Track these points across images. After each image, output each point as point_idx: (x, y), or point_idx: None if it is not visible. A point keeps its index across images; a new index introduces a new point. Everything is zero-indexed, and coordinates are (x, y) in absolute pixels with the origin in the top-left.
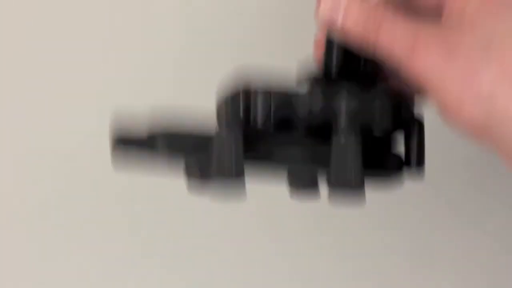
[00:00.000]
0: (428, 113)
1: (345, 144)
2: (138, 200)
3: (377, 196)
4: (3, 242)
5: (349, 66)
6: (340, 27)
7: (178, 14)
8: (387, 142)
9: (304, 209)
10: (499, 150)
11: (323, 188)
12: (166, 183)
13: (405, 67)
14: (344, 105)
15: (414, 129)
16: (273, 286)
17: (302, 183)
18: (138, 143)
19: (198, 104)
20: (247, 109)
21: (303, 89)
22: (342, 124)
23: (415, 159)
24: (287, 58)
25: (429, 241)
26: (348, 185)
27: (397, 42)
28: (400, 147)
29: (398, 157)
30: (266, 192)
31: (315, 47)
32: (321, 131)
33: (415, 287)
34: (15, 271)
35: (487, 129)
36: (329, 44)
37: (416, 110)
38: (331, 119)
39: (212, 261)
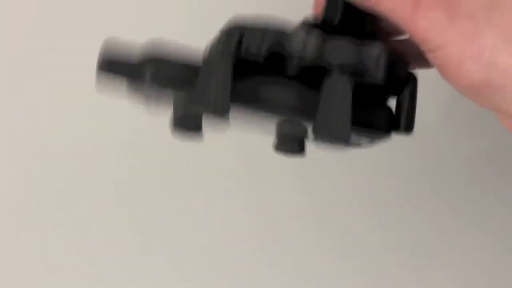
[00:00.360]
0: (428, 113)
1: (336, 86)
2: (138, 200)
3: (377, 196)
4: (3, 242)
5: (349, 22)
6: None
7: (178, 14)
8: (379, 97)
9: (304, 209)
10: (498, 110)
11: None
12: (166, 183)
13: (406, 26)
14: (340, 48)
15: (407, 89)
16: (273, 286)
17: (290, 144)
18: (125, 67)
19: None
20: (240, 42)
21: (300, 30)
22: (335, 67)
23: (404, 120)
24: None
25: (429, 241)
26: (334, 129)
27: (399, 1)
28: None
29: (388, 114)
30: (266, 192)
31: (315, 4)
32: (313, 76)
33: (415, 287)
34: (15, 271)
35: (487, 88)
36: (330, 1)
37: (411, 71)
38: (324, 62)
39: (212, 261)
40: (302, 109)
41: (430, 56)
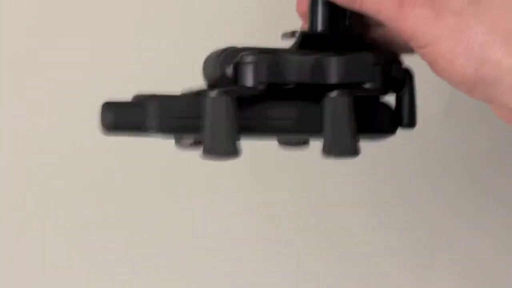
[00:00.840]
0: (427, 112)
1: (337, 104)
2: (138, 200)
3: (377, 195)
4: (3, 242)
5: (335, 21)
6: None
7: (178, 14)
8: (377, 98)
9: (304, 209)
10: (492, 102)
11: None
12: (166, 183)
13: (393, 25)
14: (335, 67)
15: (406, 86)
16: (273, 286)
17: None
18: (130, 125)
19: None
20: (236, 79)
21: (292, 46)
22: (333, 86)
23: (407, 116)
24: None
25: (429, 241)
26: (343, 147)
27: (384, 1)
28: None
29: (389, 113)
30: (266, 192)
31: (298, 5)
32: (310, 91)
33: (415, 287)
34: (15, 271)
35: (480, 82)
36: (314, 1)
37: (405, 68)
38: (321, 77)
39: (212, 261)
40: (307, 128)
41: (420, 52)
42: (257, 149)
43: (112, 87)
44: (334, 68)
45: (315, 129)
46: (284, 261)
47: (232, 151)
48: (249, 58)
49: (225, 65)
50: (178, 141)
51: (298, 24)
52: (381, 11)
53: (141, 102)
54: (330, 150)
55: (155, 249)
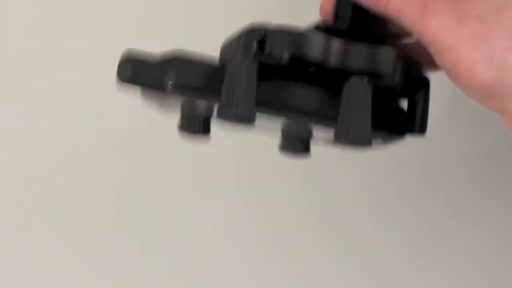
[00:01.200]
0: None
1: (357, 90)
2: (138, 200)
3: (377, 195)
4: (3, 242)
5: (359, 26)
6: None
7: (178, 14)
8: (393, 99)
9: (304, 209)
10: (506, 113)
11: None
12: (166, 183)
13: (415, 28)
14: (360, 53)
15: (421, 91)
16: (273, 286)
17: (295, 145)
18: (146, 78)
19: None
20: (261, 45)
21: (319, 34)
22: (355, 72)
23: (418, 123)
24: None
25: (429, 241)
26: (357, 133)
27: (409, 3)
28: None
29: (403, 116)
30: (266, 192)
31: (322, 7)
32: (330, 79)
33: (415, 287)
34: (15, 271)
35: (499, 90)
36: (340, 1)
37: (424, 74)
38: (345, 67)
39: (212, 261)
40: (324, 114)
41: (438, 59)
42: (257, 149)
43: (113, 87)
44: (358, 55)
45: (330, 115)
46: (284, 261)
47: (248, 116)
48: (276, 30)
49: (250, 37)
50: (187, 119)
51: (298, 24)
52: (405, 13)
53: (163, 59)
54: (342, 136)
55: (155, 249)
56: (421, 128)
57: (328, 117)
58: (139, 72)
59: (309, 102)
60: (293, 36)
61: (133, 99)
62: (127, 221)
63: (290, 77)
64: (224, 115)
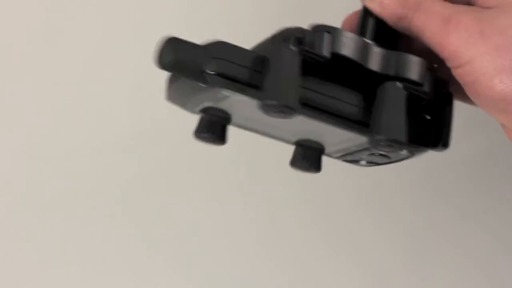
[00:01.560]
0: None
1: (395, 93)
2: (138, 200)
3: (377, 196)
4: (3, 242)
5: (382, 43)
6: (379, 2)
7: (178, 14)
8: (421, 112)
9: (304, 210)
10: None
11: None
12: (166, 183)
13: (437, 41)
14: (401, 60)
15: (448, 107)
16: (273, 286)
17: (306, 162)
18: (189, 67)
19: None
20: (301, 42)
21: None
22: (394, 77)
23: (443, 138)
24: None
25: (429, 241)
26: (394, 130)
27: (432, 18)
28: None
29: (431, 129)
30: (266, 192)
31: (345, 24)
32: (365, 82)
33: (415, 287)
34: (15, 272)
35: None
36: (366, 15)
37: (449, 90)
38: (385, 71)
39: (212, 261)
40: (361, 122)
41: (458, 72)
42: (258, 149)
43: (113, 87)
44: (396, 61)
45: (361, 119)
46: (284, 261)
47: (292, 105)
48: (320, 27)
49: (289, 33)
50: (204, 126)
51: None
52: (428, 28)
53: (205, 47)
54: (381, 132)
55: (155, 249)
56: (445, 144)
57: (360, 121)
58: (181, 58)
59: (345, 105)
60: (335, 34)
61: (133, 99)
62: (127, 221)
63: (327, 76)
64: (268, 105)
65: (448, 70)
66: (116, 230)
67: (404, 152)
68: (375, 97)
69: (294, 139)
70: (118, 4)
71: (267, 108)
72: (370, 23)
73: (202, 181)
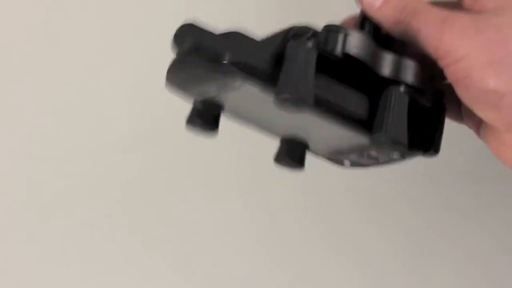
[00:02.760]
0: None
1: (399, 97)
2: (138, 200)
3: (377, 196)
4: (3, 242)
5: (381, 45)
6: (377, 8)
7: (178, 14)
8: (418, 118)
9: (304, 210)
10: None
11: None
12: (166, 183)
13: (433, 41)
14: (409, 67)
15: (442, 115)
16: (273, 286)
17: (290, 158)
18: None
19: None
20: (314, 35)
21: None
22: (399, 82)
23: (435, 144)
24: None
25: (429, 241)
26: (394, 134)
27: (429, 19)
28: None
29: (425, 134)
30: (266, 192)
31: (345, 24)
32: (369, 84)
33: (415, 287)
34: (15, 272)
35: (508, 97)
36: (363, 20)
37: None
38: (394, 76)
39: (212, 261)
40: (364, 123)
41: (451, 70)
42: (258, 149)
43: (113, 87)
44: (402, 66)
45: (363, 118)
46: (284, 261)
47: (307, 100)
48: (334, 27)
49: (302, 31)
50: (196, 113)
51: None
52: (424, 29)
53: (223, 34)
54: (382, 135)
55: (155, 249)
56: (436, 149)
57: (363, 122)
58: (200, 44)
59: (351, 105)
60: (348, 35)
61: (133, 100)
62: (127, 222)
63: (335, 76)
64: (283, 98)
65: (441, 80)
66: (116, 230)
67: (395, 155)
68: (379, 99)
69: (282, 133)
70: (118, 4)
71: (282, 102)
72: (367, 27)
73: (202, 181)
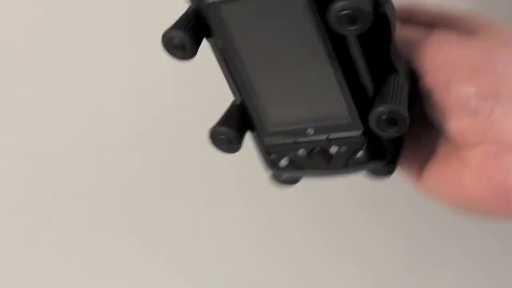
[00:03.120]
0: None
1: (403, 83)
2: (138, 200)
3: (377, 196)
4: (3, 242)
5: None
6: None
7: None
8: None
9: (304, 209)
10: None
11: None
12: (166, 183)
13: (420, 49)
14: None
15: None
16: (273, 286)
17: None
18: None
19: (197, 108)
20: None
21: None
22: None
23: (395, 156)
24: None
25: (429, 241)
26: (395, 106)
27: (415, 30)
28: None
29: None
30: (266, 192)
31: None
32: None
33: (415, 287)
34: (15, 272)
35: (489, 101)
36: None
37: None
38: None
39: (212, 261)
40: (363, 99)
41: (432, 75)
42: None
43: (113, 87)
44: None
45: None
46: (284, 261)
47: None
48: None
49: None
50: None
51: None
52: (410, 38)
53: None
54: (385, 106)
55: (155, 249)
56: (393, 160)
57: (363, 97)
58: None
59: (361, 77)
60: None
61: (133, 100)
62: (127, 222)
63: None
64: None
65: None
66: (116, 230)
67: (358, 155)
68: (384, 82)
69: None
70: (118, 4)
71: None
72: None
73: (202, 181)
